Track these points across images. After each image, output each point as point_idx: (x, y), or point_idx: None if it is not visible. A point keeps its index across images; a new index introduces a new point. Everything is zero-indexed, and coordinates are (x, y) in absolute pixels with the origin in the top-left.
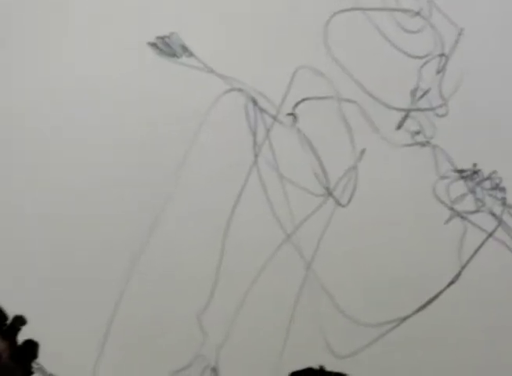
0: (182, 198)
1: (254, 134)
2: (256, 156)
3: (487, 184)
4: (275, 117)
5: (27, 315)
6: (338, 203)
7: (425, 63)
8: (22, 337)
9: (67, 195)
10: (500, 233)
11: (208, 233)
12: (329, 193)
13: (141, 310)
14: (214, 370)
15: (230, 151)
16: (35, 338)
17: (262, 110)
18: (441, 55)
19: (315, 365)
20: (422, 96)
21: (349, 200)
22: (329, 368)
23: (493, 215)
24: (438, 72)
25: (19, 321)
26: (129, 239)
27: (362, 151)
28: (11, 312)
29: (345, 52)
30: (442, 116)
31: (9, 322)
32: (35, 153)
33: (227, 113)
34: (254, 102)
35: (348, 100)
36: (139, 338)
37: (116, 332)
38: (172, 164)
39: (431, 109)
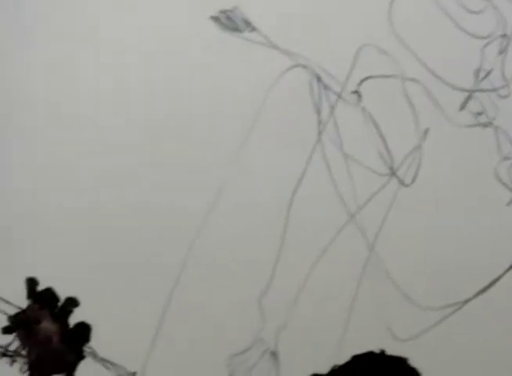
0: (243, 177)
1: (319, 111)
2: (320, 134)
3: None
4: (339, 95)
5: (81, 299)
6: (402, 182)
7: (487, 44)
8: (74, 320)
9: (121, 179)
10: None
11: (270, 213)
12: (392, 172)
13: (199, 294)
14: (274, 353)
15: (294, 128)
16: (87, 321)
17: (326, 87)
18: (504, 35)
19: (376, 349)
20: (485, 77)
21: (413, 180)
22: (389, 352)
23: None
24: (501, 53)
25: (72, 303)
26: (187, 221)
27: (426, 131)
28: (64, 296)
29: (409, 31)
30: (505, 97)
31: (60, 304)
32: (90, 135)
33: (291, 89)
34: (318, 78)
35: (412, 79)
36: (197, 322)
37: (172, 317)
38: (235, 142)
39: (494, 90)
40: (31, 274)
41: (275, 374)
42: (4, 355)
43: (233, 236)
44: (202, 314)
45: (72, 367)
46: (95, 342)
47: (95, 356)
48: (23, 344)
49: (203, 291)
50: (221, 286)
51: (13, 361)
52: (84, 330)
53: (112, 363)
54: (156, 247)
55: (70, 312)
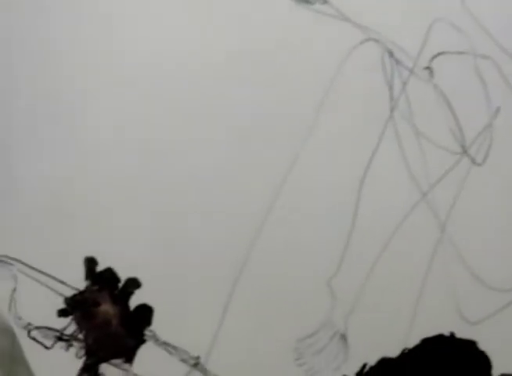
0: (312, 155)
1: (391, 87)
2: (392, 110)
3: None
4: (411, 71)
5: (142, 280)
6: (473, 161)
7: None
8: (134, 302)
9: (188, 154)
10: None
11: (340, 191)
12: (464, 150)
13: (267, 276)
14: (343, 336)
15: (366, 104)
16: (149, 304)
17: (398, 63)
18: None
19: (445, 332)
20: None
21: (484, 159)
22: (459, 334)
23: None
24: None
25: (133, 284)
26: (255, 199)
27: (497, 109)
28: (124, 277)
29: (482, 8)
30: None
31: (121, 285)
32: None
33: (362, 63)
34: (390, 53)
35: (484, 56)
36: (265, 305)
37: (239, 299)
38: (304, 117)
39: None
40: (90, 254)
41: (343, 357)
42: (59, 339)
43: (303, 215)
44: (269, 297)
45: (132, 352)
46: (157, 326)
47: (156, 339)
48: (80, 328)
49: (271, 273)
50: (290, 268)
51: (69, 346)
52: (145, 312)
53: (174, 347)
54: (224, 229)
55: (130, 293)
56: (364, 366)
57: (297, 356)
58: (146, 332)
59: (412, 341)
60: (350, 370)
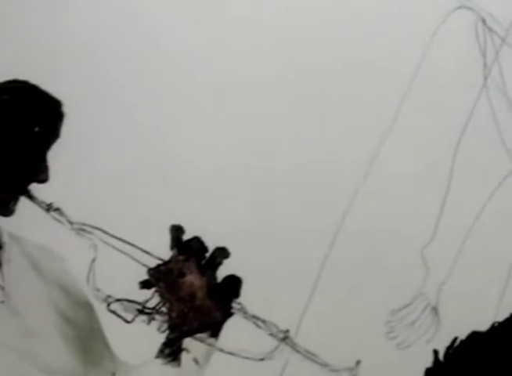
0: (407, 120)
1: (484, 55)
2: (486, 78)
3: None
4: (503, 39)
5: (231, 249)
6: None
7: None
8: (222, 273)
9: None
10: None
11: (434, 157)
12: None
13: (358, 247)
14: (435, 309)
15: (459, 71)
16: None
17: (491, 31)
18: None
19: None
20: None
21: None
22: None
23: None
24: None
25: (221, 254)
26: (347, 170)
27: None
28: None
29: None
30: None
31: (208, 254)
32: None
33: (456, 31)
34: (483, 21)
35: None
36: (356, 277)
37: (329, 271)
38: (398, 83)
39: None
40: (176, 221)
41: (434, 330)
42: (141, 312)
43: (395, 185)
44: (361, 269)
45: (218, 326)
46: (245, 298)
47: (244, 312)
48: (164, 300)
49: (362, 244)
50: (382, 238)
51: (151, 319)
52: (233, 284)
53: (263, 321)
54: (316, 201)
55: (218, 264)
56: (454, 339)
57: (389, 330)
58: (234, 305)
59: (502, 315)
60: (440, 344)
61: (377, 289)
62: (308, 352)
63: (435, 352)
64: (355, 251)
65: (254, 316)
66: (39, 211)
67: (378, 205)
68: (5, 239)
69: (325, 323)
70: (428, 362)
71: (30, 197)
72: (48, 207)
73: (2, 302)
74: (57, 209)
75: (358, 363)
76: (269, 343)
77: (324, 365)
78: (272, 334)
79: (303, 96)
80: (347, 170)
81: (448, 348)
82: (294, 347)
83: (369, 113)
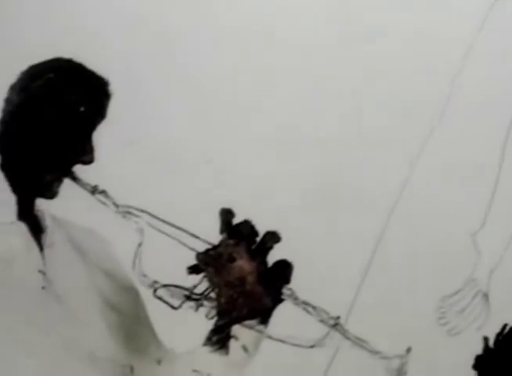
0: (461, 99)
1: None
2: None
3: None
4: None
5: (282, 233)
6: None
7: None
8: (272, 258)
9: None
10: None
11: (487, 142)
12: None
13: (410, 232)
14: (485, 295)
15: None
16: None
17: None
18: None
19: None
20: None
21: None
22: None
23: None
24: None
25: (272, 238)
26: (401, 153)
27: None
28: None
29: None
30: None
31: (259, 239)
32: None
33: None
34: None
35: None
36: (407, 262)
37: (380, 257)
38: (451, 64)
39: None
40: (226, 205)
41: (485, 317)
42: (188, 298)
43: (448, 169)
44: (412, 254)
45: (268, 312)
46: (295, 284)
47: (295, 299)
48: (213, 285)
49: (414, 229)
50: (434, 223)
51: (199, 306)
52: (284, 269)
53: (314, 307)
54: (367, 181)
55: (269, 248)
56: (504, 326)
57: (440, 315)
58: (284, 290)
59: None
60: (491, 331)
61: (428, 275)
62: (359, 338)
63: (485, 339)
64: (406, 237)
65: (304, 302)
66: (84, 194)
67: (430, 191)
68: (48, 222)
69: (375, 310)
70: (478, 349)
71: (75, 178)
72: (93, 190)
73: (43, 288)
74: (102, 191)
75: (408, 350)
76: (319, 330)
77: (374, 352)
78: (322, 321)
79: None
80: (401, 152)
81: (499, 334)
82: (345, 334)
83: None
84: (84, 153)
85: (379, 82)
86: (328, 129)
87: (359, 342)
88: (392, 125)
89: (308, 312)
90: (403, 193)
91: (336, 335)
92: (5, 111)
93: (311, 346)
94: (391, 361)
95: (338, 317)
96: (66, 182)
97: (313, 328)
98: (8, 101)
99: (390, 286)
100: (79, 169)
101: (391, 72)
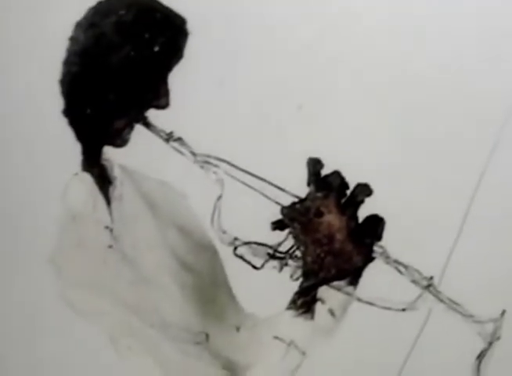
0: None
1: None
2: None
3: None
4: None
5: (374, 186)
6: None
7: None
8: (364, 213)
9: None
10: None
11: None
12: None
13: (506, 188)
14: None
15: None
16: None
17: None
18: None
19: None
20: None
21: None
22: None
23: None
24: None
25: (364, 191)
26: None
27: None
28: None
29: None
30: None
31: (349, 192)
32: None
33: None
34: None
35: None
36: (504, 220)
37: (476, 214)
38: None
39: None
40: (315, 154)
41: None
42: (272, 257)
43: None
44: (508, 211)
45: (358, 272)
46: (386, 241)
47: (387, 257)
48: (298, 243)
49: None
50: None
51: (283, 265)
52: (375, 225)
53: (406, 266)
54: (464, 131)
55: (360, 202)
56: None
57: None
58: (376, 248)
59: None
60: None
61: None
62: (453, 301)
63: None
64: (504, 192)
65: (396, 261)
66: (157, 142)
67: None
68: (116, 173)
69: (470, 270)
70: None
71: (148, 124)
72: (168, 137)
73: (110, 246)
74: (178, 139)
75: (503, 313)
76: (411, 292)
77: (468, 316)
78: (414, 282)
79: None
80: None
81: None
82: (438, 296)
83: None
84: (159, 97)
85: None
86: (427, 76)
87: (453, 305)
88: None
89: (399, 271)
90: (498, 147)
91: (428, 297)
92: (69, 51)
93: (403, 309)
94: (485, 325)
95: (432, 278)
96: (138, 129)
97: (406, 290)
98: (73, 39)
99: (486, 245)
100: (153, 114)
101: None
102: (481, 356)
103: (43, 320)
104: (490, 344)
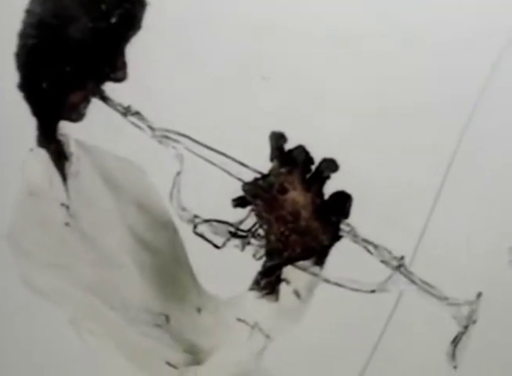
0: None
1: None
2: None
3: None
4: None
5: (340, 161)
6: None
7: None
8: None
9: None
10: None
11: None
12: None
13: (486, 157)
14: None
15: None
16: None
17: None
18: None
19: None
20: None
21: None
22: None
23: None
24: None
25: (329, 166)
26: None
27: None
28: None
29: None
30: None
31: (314, 167)
32: None
33: None
34: None
35: None
36: (481, 195)
37: (451, 189)
38: None
39: None
40: (278, 129)
41: None
42: (233, 235)
43: None
44: (486, 188)
45: (324, 251)
46: (354, 219)
47: (354, 235)
48: (261, 221)
49: (488, 156)
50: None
51: (246, 244)
52: (342, 202)
53: (375, 246)
54: (438, 107)
55: (326, 178)
56: None
57: None
58: (343, 226)
59: None
60: None
61: (503, 211)
62: (425, 282)
63: None
64: (480, 167)
65: (364, 240)
66: (115, 116)
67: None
68: (73, 148)
69: (444, 251)
70: None
71: (105, 98)
72: (126, 111)
73: (67, 224)
74: (136, 113)
75: (479, 295)
76: (381, 272)
77: (442, 298)
78: (384, 262)
79: None
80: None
81: None
82: (410, 277)
83: None
84: (116, 70)
85: None
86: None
87: (426, 287)
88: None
89: (368, 251)
90: (476, 114)
91: (400, 279)
92: (25, 23)
93: (372, 291)
94: (460, 308)
95: (402, 258)
96: (95, 103)
97: (375, 270)
98: (30, 12)
99: (460, 224)
100: (110, 87)
101: None
102: (456, 340)
103: (1, 300)
104: (466, 327)
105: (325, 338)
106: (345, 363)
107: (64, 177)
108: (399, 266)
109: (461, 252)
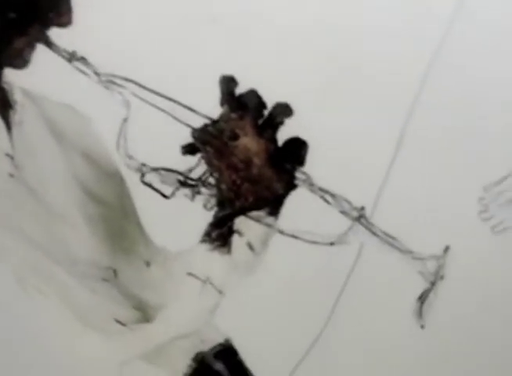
0: None
1: None
2: None
3: None
4: None
5: (295, 105)
6: None
7: None
8: (284, 135)
9: None
10: None
11: None
12: None
13: (446, 105)
14: None
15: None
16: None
17: None
18: None
19: None
20: None
21: None
22: None
23: None
24: None
25: (283, 111)
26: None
27: None
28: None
29: None
30: None
31: (267, 112)
32: None
33: None
34: None
35: None
36: (442, 145)
37: (412, 138)
38: None
39: None
40: (229, 72)
41: None
42: (183, 184)
43: None
44: (449, 135)
45: (279, 201)
46: (311, 167)
47: (311, 184)
48: (212, 168)
49: (449, 105)
50: (468, 98)
51: (195, 193)
52: (297, 149)
53: (333, 195)
54: (399, 53)
55: (279, 123)
56: None
57: (482, 208)
58: (298, 174)
59: None
60: None
61: (469, 158)
62: (388, 235)
63: None
64: (441, 114)
65: (322, 190)
66: (59, 62)
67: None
68: (17, 96)
69: (407, 201)
70: None
71: (49, 43)
72: (71, 56)
73: (12, 176)
74: (81, 58)
75: (446, 249)
76: (341, 223)
77: (406, 251)
78: (343, 212)
79: None
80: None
81: None
82: (371, 228)
83: None
84: (61, 14)
85: None
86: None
87: (388, 239)
88: None
89: (326, 201)
90: (436, 62)
91: (360, 230)
92: None
93: (331, 243)
94: (426, 262)
95: (363, 208)
96: (40, 49)
97: (335, 222)
98: None
99: (423, 172)
100: (54, 33)
101: None
102: (422, 297)
103: None
104: (433, 284)
105: (280, 295)
106: (302, 321)
107: (8, 126)
108: (359, 217)
109: (426, 203)
